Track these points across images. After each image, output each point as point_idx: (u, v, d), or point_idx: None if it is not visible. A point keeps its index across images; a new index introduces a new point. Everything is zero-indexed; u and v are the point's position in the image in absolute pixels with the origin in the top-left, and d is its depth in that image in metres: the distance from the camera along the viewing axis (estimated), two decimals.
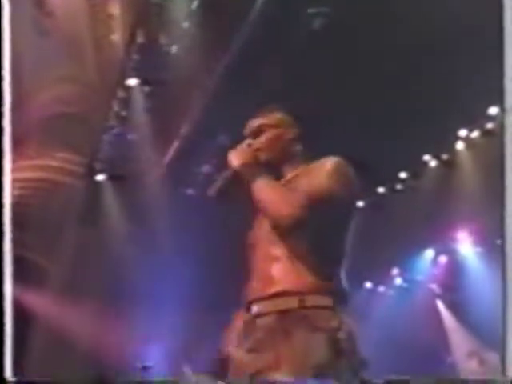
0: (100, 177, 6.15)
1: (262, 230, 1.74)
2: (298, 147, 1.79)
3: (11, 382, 1.35)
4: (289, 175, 1.76)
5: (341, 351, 1.56)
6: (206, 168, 6.16)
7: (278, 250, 1.69)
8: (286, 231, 1.64)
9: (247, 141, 1.80)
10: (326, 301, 1.63)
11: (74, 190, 5.86)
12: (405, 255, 6.51)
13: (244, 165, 1.73)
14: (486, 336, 5.10)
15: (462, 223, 6.07)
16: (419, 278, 6.72)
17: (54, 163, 5.53)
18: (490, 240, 5.86)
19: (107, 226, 6.21)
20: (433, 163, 6.05)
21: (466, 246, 6.21)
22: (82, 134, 5.54)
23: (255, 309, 1.67)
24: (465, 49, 4.03)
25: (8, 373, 1.33)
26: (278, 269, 1.67)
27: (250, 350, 1.62)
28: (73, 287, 5.63)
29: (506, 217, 1.31)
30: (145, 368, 5.51)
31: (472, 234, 6.10)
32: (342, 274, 1.70)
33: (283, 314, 1.61)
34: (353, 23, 3.96)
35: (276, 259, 1.69)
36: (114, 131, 5.73)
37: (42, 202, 5.30)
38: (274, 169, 1.75)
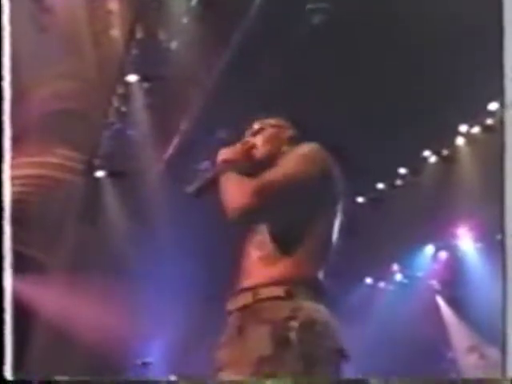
0: (100, 173, 6.14)
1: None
2: (295, 145, 1.74)
3: (11, 382, 1.34)
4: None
5: (289, 342, 1.46)
6: (205, 164, 6.15)
7: (250, 245, 1.67)
8: (237, 224, 1.59)
9: (245, 139, 1.81)
10: (278, 291, 1.55)
11: (73, 186, 5.85)
12: (405, 251, 6.51)
13: (224, 161, 1.72)
14: (486, 331, 5.11)
15: (462, 219, 6.06)
16: (419, 273, 6.72)
17: (53, 160, 5.52)
18: (490, 236, 5.86)
19: (107, 223, 6.21)
20: (432, 159, 6.05)
21: (466, 241, 6.21)
22: (82, 130, 5.53)
23: (228, 305, 1.66)
24: (465, 45, 4.02)
25: (8, 373, 1.33)
26: (247, 264, 1.66)
27: (219, 348, 1.61)
28: (72, 284, 5.63)
29: (505, 213, 1.29)
30: (144, 364, 5.52)
31: (472, 229, 6.10)
32: (316, 265, 1.60)
33: (240, 310, 1.59)
34: (353, 19, 3.95)
35: (248, 254, 1.68)
36: (114, 127, 5.72)
37: (41, 198, 5.29)
38: (269, 166, 1.68)
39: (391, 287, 7.00)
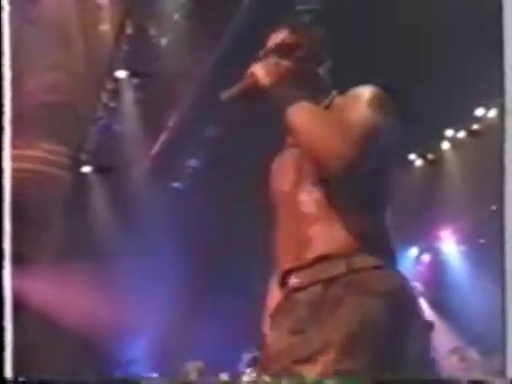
0: (86, 168, 6.11)
1: (289, 183, 1.44)
2: (322, 72, 1.50)
3: (11, 382, 1.32)
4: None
5: (405, 317, 1.29)
6: (193, 161, 6.15)
7: (313, 207, 1.37)
8: (336, 175, 1.30)
9: (272, 58, 1.47)
10: (377, 260, 1.34)
11: (59, 181, 5.81)
12: (393, 249, 6.53)
13: (276, 83, 1.39)
14: (466, 333, 5.16)
15: (445, 222, 6.12)
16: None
17: (39, 153, 5.47)
18: (472, 239, 5.93)
19: (93, 218, 6.18)
20: (418, 162, 6.10)
21: (450, 244, 6.27)
22: (69, 124, 5.49)
23: (293, 280, 1.38)
24: (453, 51, 4.06)
25: (8, 373, 1.31)
26: (315, 229, 1.36)
27: (294, 332, 1.32)
28: (57, 279, 5.60)
29: (505, 214, 1.27)
30: (130, 362, 5.51)
31: (455, 232, 6.16)
32: (389, 232, 1.43)
33: (329, 282, 1.32)
34: (343, 20, 3.96)
35: (311, 217, 1.38)
36: (102, 122, 5.69)
37: (27, 192, 5.25)
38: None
39: None
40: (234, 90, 1.44)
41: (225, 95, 1.46)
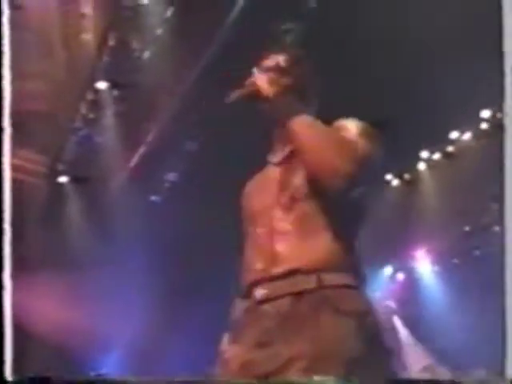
0: (63, 178, 6.04)
1: (266, 200, 1.45)
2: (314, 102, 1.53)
3: (11, 382, 1.30)
4: None
5: (372, 341, 1.29)
6: (171, 175, 6.14)
7: (286, 223, 1.39)
8: (331, 190, 1.33)
9: (270, 74, 1.48)
10: (348, 279, 1.36)
11: (35, 190, 5.74)
12: (363, 271, 6.59)
13: (278, 94, 1.41)
14: (439, 352, 5.21)
15: (420, 242, 6.20)
16: (377, 293, 6.82)
17: (15, 161, 5.41)
18: (446, 259, 6.01)
19: (68, 229, 6.11)
20: (395, 182, 6.19)
21: (424, 264, 6.35)
22: (47, 133, 5.44)
23: (260, 293, 1.36)
24: (432, 76, 4.15)
25: (8, 373, 1.29)
26: (286, 244, 1.37)
27: (260, 345, 1.30)
28: (33, 289, 5.51)
29: (505, 215, 1.29)
30: (99, 376, 5.42)
31: (429, 252, 6.25)
32: (360, 253, 1.46)
33: (299, 296, 1.32)
34: (329, 39, 4.02)
35: (283, 233, 1.39)
36: (81, 133, 5.66)
37: None
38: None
39: None
40: (235, 95, 1.46)
41: (230, 99, 1.47)
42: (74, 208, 6.12)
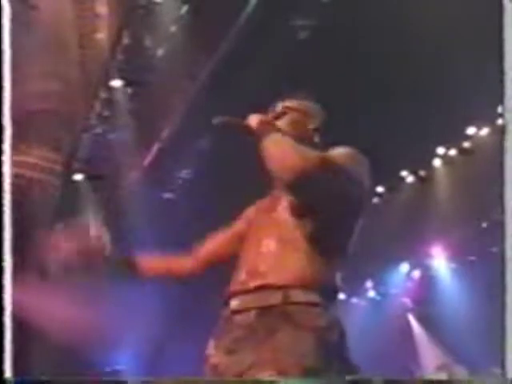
0: (78, 176, 6.08)
1: (256, 218, 1.60)
2: (317, 139, 1.64)
3: (11, 382, 1.31)
4: None
5: (330, 354, 1.38)
6: (185, 173, 6.15)
7: (271, 240, 1.51)
8: (288, 186, 1.43)
9: (267, 115, 1.62)
10: (314, 297, 1.44)
11: (50, 188, 5.79)
12: (379, 268, 6.56)
13: (262, 122, 1.52)
14: (455, 350, 5.16)
15: (436, 239, 6.15)
16: (393, 291, 6.78)
17: (30, 160, 5.45)
18: (463, 256, 5.96)
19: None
20: (410, 179, 6.14)
21: (440, 261, 6.30)
22: (62, 131, 5.48)
23: (234, 304, 1.49)
24: (447, 69, 4.11)
25: (8, 373, 1.30)
26: (265, 260, 1.49)
27: (229, 351, 1.43)
28: (47, 287, 5.55)
29: (505, 227, 1.29)
30: (114, 372, 5.46)
31: (446, 249, 6.19)
32: (339, 272, 1.52)
33: (265, 310, 1.43)
34: (339, 35, 4.00)
35: (267, 250, 1.51)
36: (95, 131, 5.69)
37: (14, 198, 5.19)
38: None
39: (364, 303, 7.05)
40: (222, 120, 1.56)
41: (216, 120, 1.56)
42: (88, 205, 6.16)
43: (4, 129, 1.44)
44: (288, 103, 1.65)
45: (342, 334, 1.45)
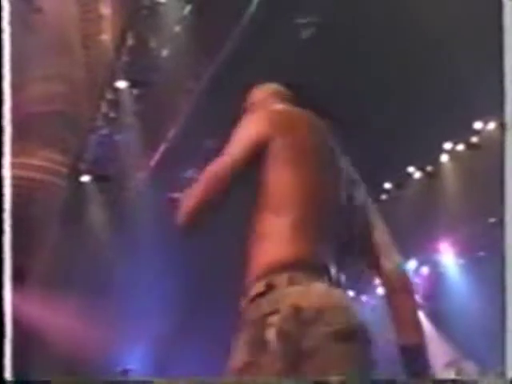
0: (85, 177, 6.10)
1: None
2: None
3: (11, 382, 1.31)
4: None
5: (265, 343, 1.26)
6: (191, 172, 6.15)
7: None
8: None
9: None
10: (260, 286, 1.32)
11: (57, 189, 5.81)
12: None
13: None
14: (464, 346, 5.13)
15: (444, 235, 6.12)
16: None
17: (36, 162, 5.47)
18: (471, 252, 5.92)
19: (90, 227, 6.17)
20: (417, 175, 6.11)
21: (448, 257, 6.26)
22: (68, 133, 5.50)
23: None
24: (452, 65, 4.09)
25: (8, 373, 1.30)
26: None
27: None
28: (54, 288, 5.57)
29: (505, 225, 1.27)
30: (125, 371, 5.48)
31: (454, 245, 6.16)
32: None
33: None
34: (341, 34, 3.99)
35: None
36: (101, 132, 5.71)
37: (21, 200, 5.21)
38: None
39: (373, 301, 7.03)
40: None
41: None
42: (95, 206, 6.18)
43: (4, 131, 1.44)
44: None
45: (290, 311, 1.32)
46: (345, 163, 1.51)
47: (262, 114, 1.48)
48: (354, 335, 1.30)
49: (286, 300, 1.28)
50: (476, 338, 4.83)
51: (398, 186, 6.20)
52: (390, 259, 1.49)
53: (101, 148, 5.82)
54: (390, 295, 1.48)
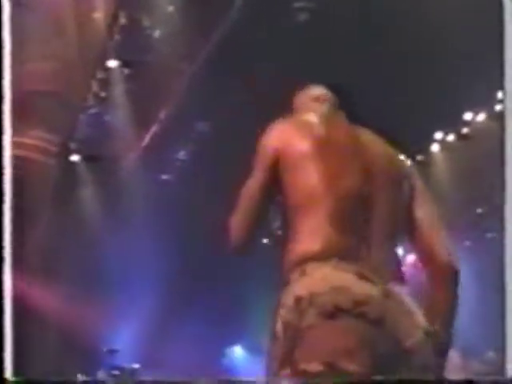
0: (75, 157, 6.06)
1: None
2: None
3: (11, 382, 1.31)
4: None
5: (275, 335, 1.31)
6: (182, 154, 6.12)
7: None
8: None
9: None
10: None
11: (47, 168, 5.76)
12: None
13: None
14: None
15: None
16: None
17: (27, 141, 5.42)
18: (459, 241, 5.97)
19: (81, 207, 6.14)
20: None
21: None
22: (59, 112, 5.44)
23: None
24: (443, 56, 4.08)
25: (8, 373, 1.30)
26: None
27: None
28: (45, 268, 5.56)
29: (505, 216, 1.28)
30: (111, 351, 5.49)
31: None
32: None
33: None
34: (337, 22, 3.96)
35: None
36: (92, 111, 5.65)
37: (13, 179, 5.16)
38: None
39: None
40: None
41: None
42: (85, 186, 6.15)
43: (3, 112, 1.42)
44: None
45: (294, 301, 1.37)
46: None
47: (281, 125, 1.56)
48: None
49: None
50: (461, 327, 4.89)
51: None
52: (443, 250, 1.53)
53: (91, 127, 5.77)
54: (436, 285, 1.50)
